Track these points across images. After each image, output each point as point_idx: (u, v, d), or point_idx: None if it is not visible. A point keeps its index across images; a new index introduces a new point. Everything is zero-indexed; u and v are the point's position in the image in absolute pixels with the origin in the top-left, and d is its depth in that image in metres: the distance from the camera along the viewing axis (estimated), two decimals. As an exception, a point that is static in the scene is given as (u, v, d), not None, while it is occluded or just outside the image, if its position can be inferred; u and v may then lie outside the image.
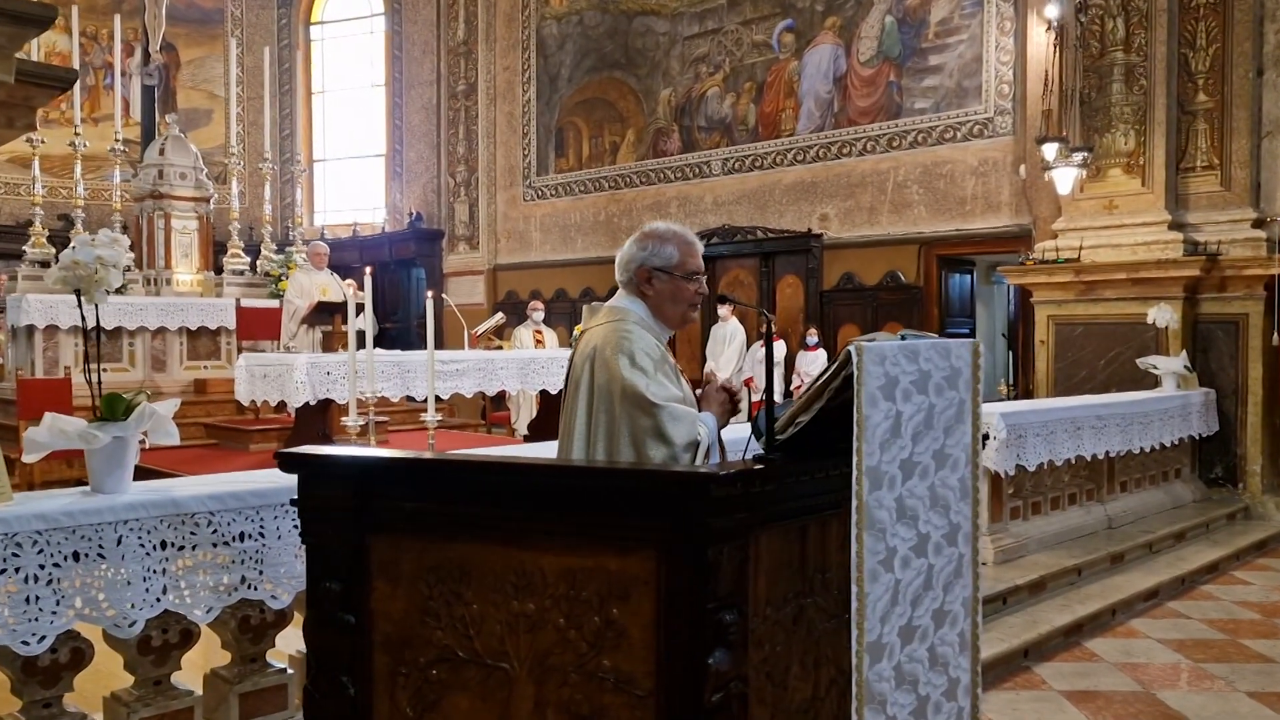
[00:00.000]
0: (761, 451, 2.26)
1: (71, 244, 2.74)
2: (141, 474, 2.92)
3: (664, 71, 13.68)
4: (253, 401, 8.57)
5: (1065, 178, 8.56)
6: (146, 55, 12.48)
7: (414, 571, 2.25)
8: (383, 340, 13.38)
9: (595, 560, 2.13)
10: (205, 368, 11.11)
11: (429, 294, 5.94)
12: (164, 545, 2.64)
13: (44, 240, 10.75)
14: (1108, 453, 6.98)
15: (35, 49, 16.26)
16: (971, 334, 11.68)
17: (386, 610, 2.28)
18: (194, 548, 2.69)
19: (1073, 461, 6.68)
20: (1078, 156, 8.57)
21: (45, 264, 10.53)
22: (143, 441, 2.75)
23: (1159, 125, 8.84)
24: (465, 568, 2.22)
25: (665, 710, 2.08)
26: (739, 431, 2.62)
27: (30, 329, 10.10)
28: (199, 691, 3.00)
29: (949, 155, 11.01)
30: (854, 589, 2.11)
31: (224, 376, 10.82)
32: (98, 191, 14.45)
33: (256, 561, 2.81)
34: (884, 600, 2.18)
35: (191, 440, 9.71)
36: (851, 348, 2.10)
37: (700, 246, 2.64)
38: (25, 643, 2.43)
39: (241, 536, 2.78)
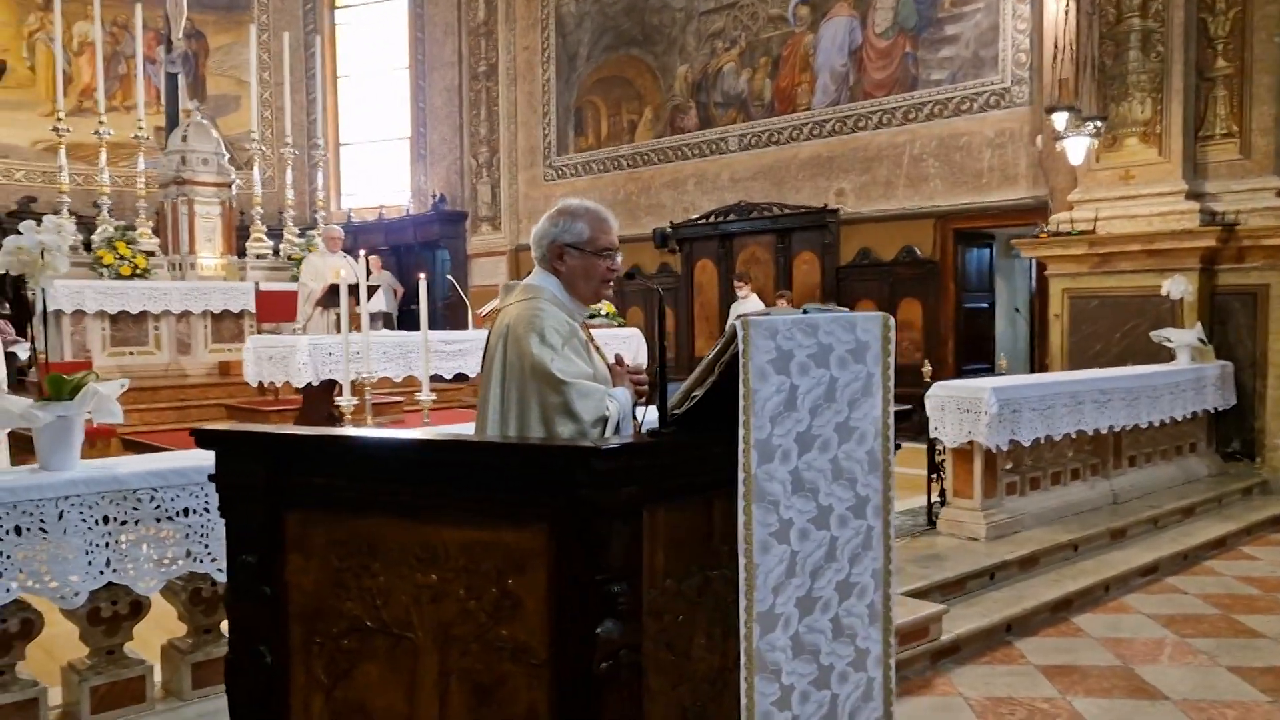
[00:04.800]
0: (657, 426, 2.28)
1: (18, 229, 2.83)
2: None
3: (680, 48, 13.62)
4: (271, 383, 8.75)
5: (1077, 147, 8.42)
6: (169, 43, 12.66)
7: (325, 545, 2.32)
8: (408, 321, 13.55)
9: (493, 534, 2.18)
10: (229, 350, 11.31)
11: (420, 277, 6.01)
12: (106, 520, 2.73)
13: (72, 226, 10.99)
14: (1112, 427, 6.88)
15: (71, 39, 16.61)
16: (991, 308, 11.56)
17: (300, 583, 2.35)
18: (136, 523, 2.79)
19: (1073, 436, 6.60)
20: (1090, 126, 8.42)
21: (73, 250, 10.78)
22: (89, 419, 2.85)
23: (1176, 92, 8.64)
24: (373, 541, 2.28)
25: (559, 678, 2.13)
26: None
27: (58, 314, 10.36)
28: (153, 661, 3.11)
29: (965, 127, 10.86)
30: (741, 560, 2.14)
31: (246, 359, 11.01)
32: (129, 178, 14.75)
33: (202, 536, 2.90)
34: (777, 571, 2.21)
35: (214, 421, 9.95)
36: (737, 322, 2.11)
37: (614, 224, 2.66)
38: (-31, 614, 2.54)
39: (185, 512, 2.87)
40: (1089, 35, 8.84)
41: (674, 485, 2.23)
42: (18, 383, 9.84)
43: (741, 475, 2.13)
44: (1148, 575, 5.99)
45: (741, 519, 2.13)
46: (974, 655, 4.67)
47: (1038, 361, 10.19)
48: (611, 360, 2.68)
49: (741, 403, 2.11)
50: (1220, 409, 8.21)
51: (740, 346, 2.10)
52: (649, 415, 2.66)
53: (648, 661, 2.21)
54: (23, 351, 10.65)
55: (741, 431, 2.11)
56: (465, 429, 3.14)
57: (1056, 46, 8.65)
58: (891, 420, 2.49)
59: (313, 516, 2.32)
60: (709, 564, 2.36)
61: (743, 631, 2.14)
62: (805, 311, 2.31)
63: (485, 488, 2.17)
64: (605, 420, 2.43)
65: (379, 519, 2.28)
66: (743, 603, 2.14)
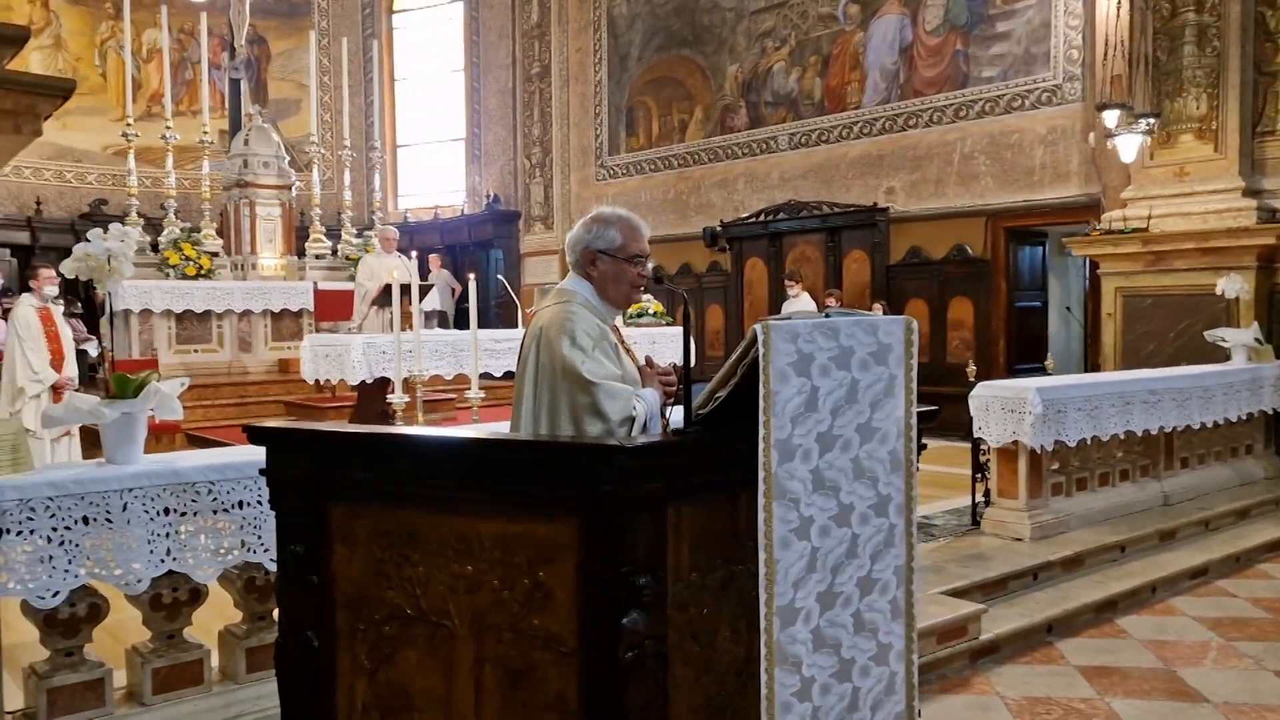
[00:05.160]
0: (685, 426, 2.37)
1: (86, 236, 3.00)
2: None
3: (730, 48, 13.66)
4: (328, 380, 8.99)
5: (1129, 145, 8.32)
6: (232, 50, 13.03)
7: (368, 536, 2.44)
8: (464, 319, 13.77)
9: (525, 526, 2.28)
10: (288, 348, 11.61)
11: (469, 277, 6.17)
12: (167, 512, 2.90)
13: (140, 229, 11.36)
14: (1162, 428, 6.81)
15: (140, 46, 17.15)
16: (1044, 308, 11.43)
17: (345, 572, 2.48)
18: (195, 514, 2.95)
19: (1122, 437, 6.55)
20: (1143, 123, 8.31)
21: (140, 251, 11.17)
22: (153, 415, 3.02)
23: (1233, 88, 8.50)
24: (412, 533, 2.40)
25: (587, 667, 2.23)
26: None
27: (127, 313, 10.73)
28: (211, 646, 3.27)
29: (1017, 124, 10.76)
30: (761, 555, 2.22)
31: (305, 356, 11.30)
32: (195, 181, 15.19)
33: (255, 527, 3.06)
34: (798, 566, 2.28)
35: (274, 417, 10.24)
36: (758, 326, 2.19)
37: (645, 231, 2.75)
38: (41, 597, 2.72)
39: (240, 504, 3.03)
40: (1142, 30, 8.72)
41: (698, 482, 2.31)
42: (88, 379, 10.24)
43: (762, 474, 2.21)
44: (1197, 578, 5.92)
45: (762, 515, 2.21)
46: (1013, 655, 4.68)
47: (1091, 361, 10.07)
48: (642, 362, 2.77)
49: (761, 404, 2.18)
50: (1279, 410, 8.06)
51: (760, 350, 2.18)
52: (677, 414, 2.75)
53: (673, 652, 2.30)
54: (93, 349, 11.08)
55: (761, 431, 2.19)
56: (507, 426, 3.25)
57: (1108, 43, 8.54)
58: (915, 421, 2.54)
59: (356, 509, 2.44)
60: (734, 559, 2.44)
61: (763, 625, 2.22)
62: (828, 316, 2.39)
63: (517, 483, 2.28)
64: (632, 420, 2.53)
65: (418, 511, 2.39)
66: (763, 596, 2.22)
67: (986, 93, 10.99)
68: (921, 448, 2.76)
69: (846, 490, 2.39)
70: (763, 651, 2.24)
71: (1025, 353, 10.77)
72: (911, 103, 11.68)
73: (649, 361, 2.76)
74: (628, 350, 2.76)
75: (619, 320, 2.91)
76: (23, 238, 16.12)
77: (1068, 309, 11.35)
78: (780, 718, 2.28)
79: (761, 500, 2.22)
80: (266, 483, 2.49)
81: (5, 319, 7.48)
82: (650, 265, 2.75)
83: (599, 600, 2.20)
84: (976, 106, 11.09)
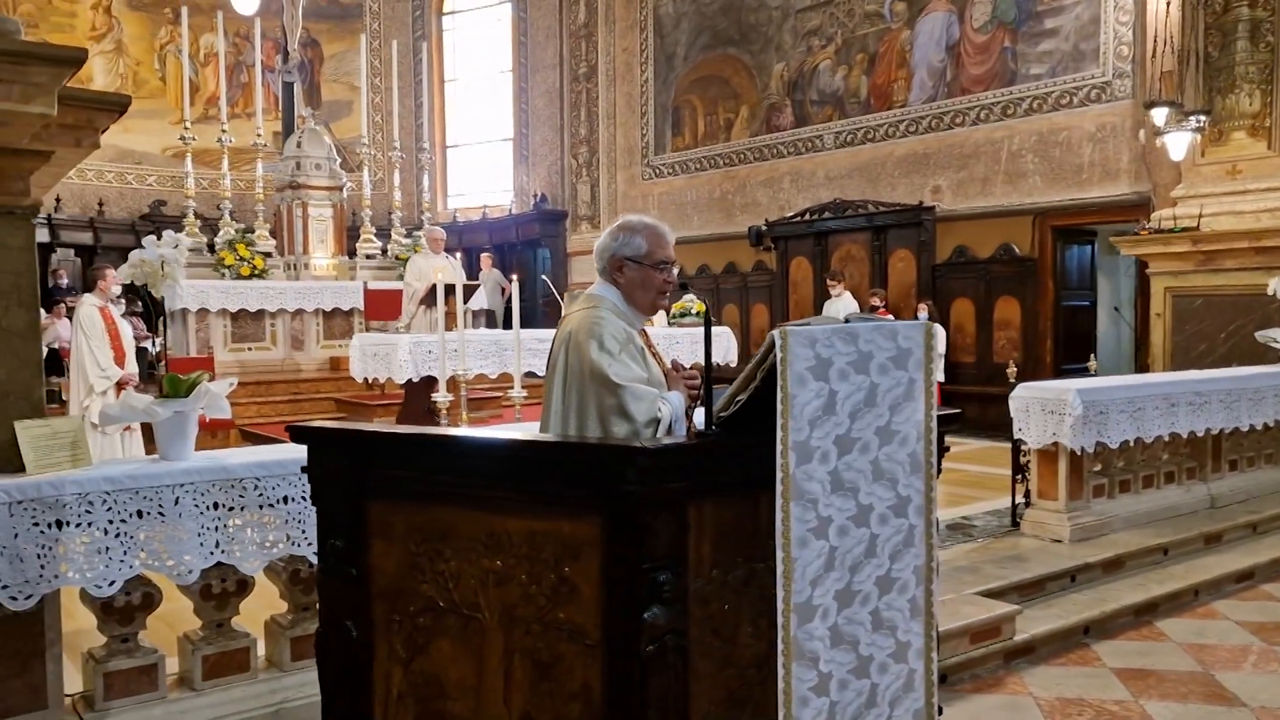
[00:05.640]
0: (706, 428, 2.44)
1: (142, 243, 3.15)
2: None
3: (776, 46, 13.66)
4: (376, 378, 9.18)
5: (1179, 143, 8.21)
6: (285, 54, 13.32)
7: (404, 531, 2.55)
8: (510, 319, 13.94)
9: (552, 524, 2.37)
10: (339, 346, 11.85)
11: (512, 278, 6.29)
12: (216, 506, 3.04)
13: (196, 229, 11.69)
14: (1209, 430, 6.72)
15: (198, 50, 17.58)
16: (1092, 307, 11.29)
17: (382, 565, 2.59)
18: (243, 509, 3.09)
19: (1166, 439, 6.48)
20: (1193, 120, 8.20)
21: (197, 252, 11.50)
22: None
23: (1288, 84, 8.35)
24: (445, 529, 2.50)
25: (610, 659, 2.31)
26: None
27: (184, 312, 11.04)
28: (257, 635, 3.42)
29: (1065, 122, 10.64)
30: (779, 554, 2.28)
31: (356, 355, 11.54)
32: (250, 182, 15.56)
33: (299, 522, 3.19)
34: (815, 565, 2.34)
35: (324, 414, 10.48)
36: (776, 333, 2.26)
37: (671, 238, 2.83)
38: (98, 586, 2.87)
39: (285, 500, 3.16)
40: (1193, 26, 8.59)
41: (718, 482, 2.38)
42: (148, 376, 10.56)
43: (780, 475, 2.27)
44: (1242, 581, 5.86)
45: (779, 515, 2.28)
46: (1048, 656, 4.68)
47: (1140, 362, 9.94)
48: (669, 365, 2.85)
49: (779, 407, 2.25)
50: (1332, 412, 7.89)
51: (778, 354, 2.24)
52: (700, 416, 2.83)
53: (694, 646, 2.37)
54: (152, 347, 11.42)
55: (779, 434, 2.26)
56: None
57: (1158, 39, 8.43)
58: (935, 424, 2.59)
59: (392, 506, 2.55)
60: (755, 556, 2.51)
61: (780, 621, 2.29)
62: (847, 321, 2.44)
63: (544, 482, 2.37)
64: (658, 421, 2.61)
65: (450, 508, 2.50)
66: (780, 594, 2.28)
67: (1035, 90, 10.88)
68: (944, 450, 2.80)
69: (865, 491, 2.44)
70: (780, 647, 2.30)
71: (1073, 353, 10.64)
72: (958, 100, 11.60)
73: (675, 365, 2.84)
74: (654, 354, 2.84)
75: (648, 323, 2.99)
76: (85, 238, 16.63)
77: (1116, 309, 11.20)
78: (797, 711, 2.34)
79: (779, 501, 2.28)
80: (308, 480, 2.61)
81: (70, 317, 7.77)
82: (676, 271, 2.83)
83: (621, 595, 2.28)
84: (1024, 104, 10.99)
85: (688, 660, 2.35)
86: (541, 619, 2.40)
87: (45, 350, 12.61)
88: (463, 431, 3.04)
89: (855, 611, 2.44)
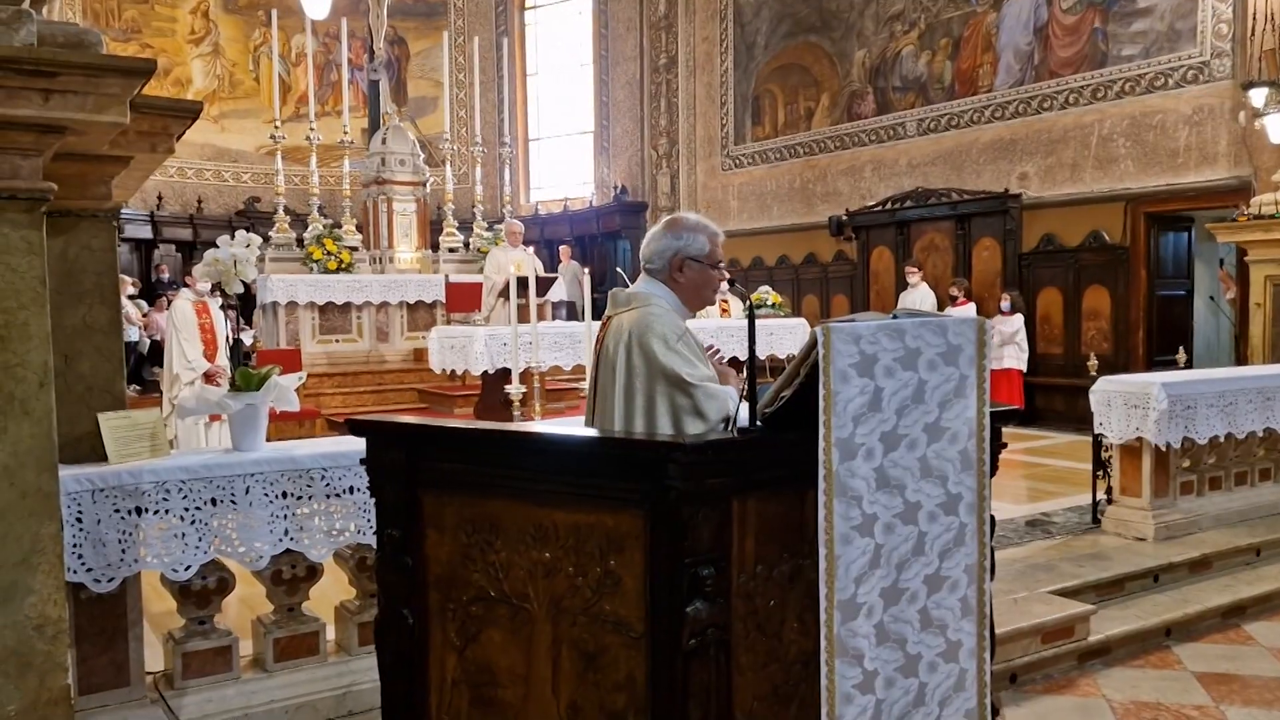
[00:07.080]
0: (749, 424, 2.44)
1: (216, 243, 3.28)
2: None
3: (858, 32, 13.45)
4: (453, 370, 9.36)
5: (1278, 125, 7.84)
6: (371, 52, 13.62)
7: (456, 522, 2.62)
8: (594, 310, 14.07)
9: (596, 517, 2.41)
10: (422, 338, 12.10)
11: (584, 272, 6.35)
12: (285, 495, 3.16)
13: (286, 226, 12.07)
14: (1309, 425, 6.42)
15: (289, 50, 18.12)
16: (1188, 296, 10.87)
17: (436, 555, 2.66)
18: (310, 498, 3.20)
19: (1260, 434, 6.22)
20: (1295, 101, 7.83)
21: (287, 247, 11.88)
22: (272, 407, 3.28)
23: (1400, 60, 7.91)
24: (495, 520, 2.55)
25: (654, 651, 2.34)
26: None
27: (274, 305, 11.42)
28: (327, 620, 3.54)
29: (1159, 104, 10.24)
30: (822, 550, 2.28)
31: (439, 347, 11.77)
32: (338, 178, 15.99)
33: (364, 511, 3.29)
34: (860, 562, 2.33)
35: (407, 404, 10.74)
36: (818, 330, 2.25)
37: (723, 237, 2.84)
38: (174, 570, 3.01)
39: (351, 490, 3.26)
40: (1297, 2, 8.19)
41: (762, 478, 2.38)
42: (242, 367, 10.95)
43: (822, 471, 2.27)
44: (1341, 585, 5.60)
45: (822, 513, 2.27)
46: (1125, 658, 4.56)
47: (1240, 354, 9.53)
48: (725, 361, 2.87)
49: (821, 404, 2.24)
50: None
51: (820, 351, 2.23)
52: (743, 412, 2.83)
53: (738, 641, 2.38)
54: (247, 338, 11.85)
55: (821, 430, 2.25)
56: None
57: (1258, 17, 8.06)
58: (987, 421, 2.54)
59: (445, 497, 2.62)
60: (802, 553, 2.50)
61: (823, 618, 2.28)
62: (895, 317, 2.42)
63: (589, 476, 2.40)
64: (729, 419, 2.63)
65: (500, 501, 2.55)
66: (823, 590, 2.28)
67: (1127, 72, 10.50)
68: (1001, 446, 2.76)
69: (913, 488, 2.42)
70: (823, 644, 2.30)
71: (1166, 344, 10.26)
72: (1046, 84, 11.27)
73: (733, 361, 2.85)
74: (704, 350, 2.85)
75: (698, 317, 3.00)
76: (185, 234, 17.31)
77: (1211, 298, 10.76)
78: (841, 709, 2.33)
79: (822, 498, 2.27)
80: (366, 471, 2.69)
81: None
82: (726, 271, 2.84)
83: (664, 589, 2.30)
84: (1116, 86, 10.61)
85: (731, 654, 2.37)
86: (587, 610, 2.44)
87: (148, 342, 13.22)
88: (510, 426, 3.10)
89: (902, 609, 2.42)
